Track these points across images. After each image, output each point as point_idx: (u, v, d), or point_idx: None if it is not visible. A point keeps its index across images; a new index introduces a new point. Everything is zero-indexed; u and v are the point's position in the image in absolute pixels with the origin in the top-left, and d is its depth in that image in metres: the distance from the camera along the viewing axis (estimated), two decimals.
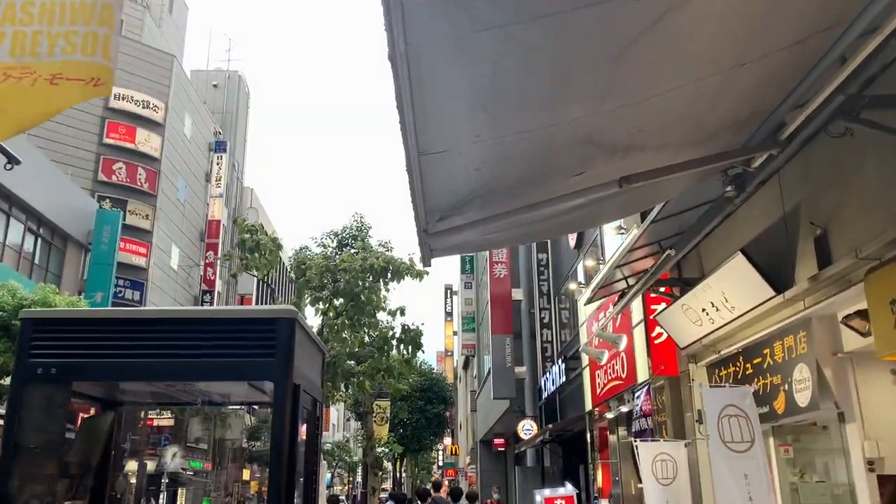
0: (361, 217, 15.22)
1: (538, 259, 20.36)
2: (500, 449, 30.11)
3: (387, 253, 12.50)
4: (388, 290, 12.30)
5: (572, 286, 14.59)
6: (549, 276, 20.19)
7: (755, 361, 7.56)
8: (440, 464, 64.75)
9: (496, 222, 4.54)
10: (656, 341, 9.57)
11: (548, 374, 18.03)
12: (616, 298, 9.90)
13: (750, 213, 7.20)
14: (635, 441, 8.73)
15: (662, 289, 8.96)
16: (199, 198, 43.06)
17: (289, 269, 15.44)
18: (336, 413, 70.11)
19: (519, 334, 20.81)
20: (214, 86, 51.53)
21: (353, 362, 11.69)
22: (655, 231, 7.61)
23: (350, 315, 11.65)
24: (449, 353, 60.12)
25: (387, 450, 15.02)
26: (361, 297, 11.54)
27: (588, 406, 13.05)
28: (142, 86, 36.00)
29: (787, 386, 6.84)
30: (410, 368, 11.34)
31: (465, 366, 50.52)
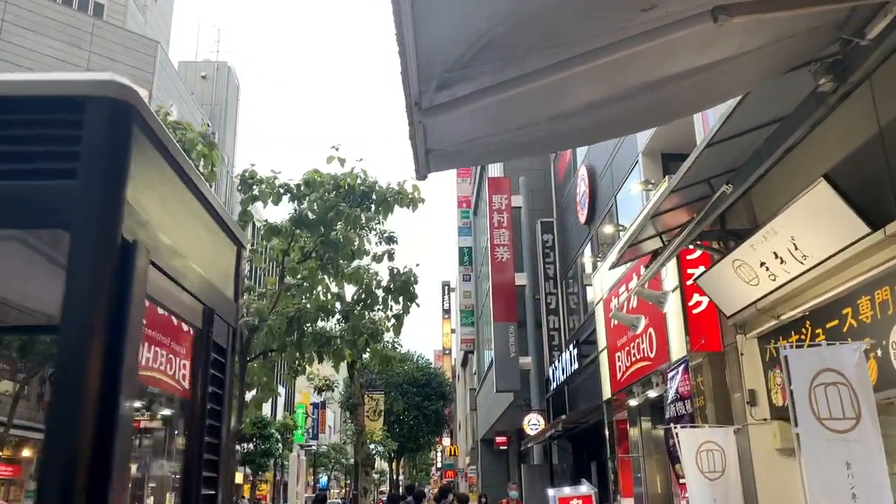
0: (341, 160, 11.51)
1: (543, 240, 18.90)
2: (502, 447, 28.62)
3: (369, 178, 9.37)
4: (373, 225, 9.22)
5: (586, 259, 13.11)
6: (555, 258, 18.74)
7: (830, 325, 6.11)
8: (439, 465, 63.32)
9: (519, 88, 3.07)
10: (694, 311, 8.11)
11: (556, 363, 16.57)
12: (647, 261, 8.44)
13: (825, 138, 5.76)
14: (675, 428, 7.27)
15: (701, 244, 7.51)
16: None
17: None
18: (332, 415, 68.60)
19: (523, 322, 19.32)
20: (203, 77, 49.94)
21: (330, 320, 8.63)
22: (701, 168, 6.16)
23: (321, 255, 8.73)
24: (447, 352, 58.66)
25: (380, 447, 12.80)
26: (334, 229, 8.60)
27: (606, 394, 11.58)
28: (124, 73, 34.23)
29: (879, 351, 5.40)
30: (401, 327, 8.19)
31: (464, 363, 48.99)
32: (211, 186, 6.35)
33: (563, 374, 15.32)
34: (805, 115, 4.68)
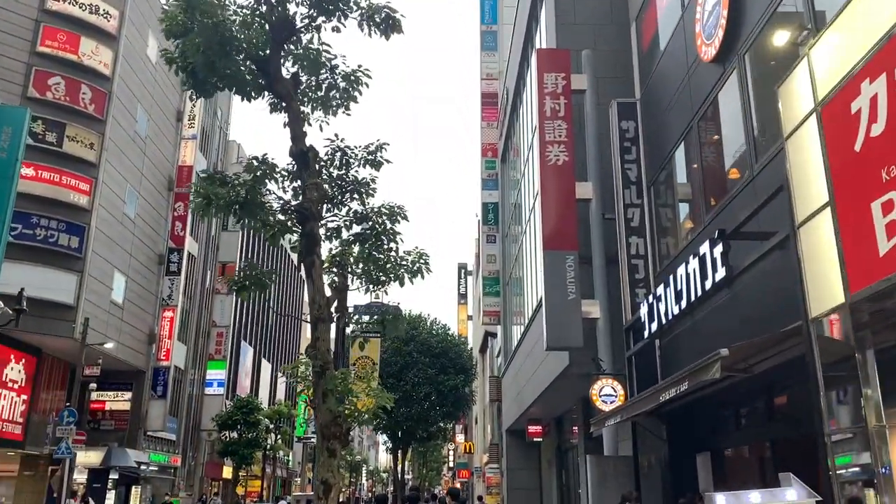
0: None
1: (622, 129, 12.95)
2: (535, 439, 22.73)
3: None
4: None
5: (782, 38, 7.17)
6: (639, 155, 12.80)
7: None
8: (451, 464, 57.40)
9: None
10: None
11: (662, 292, 10.52)
12: None
13: None
14: None
15: None
16: (168, 139, 35.92)
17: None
18: None
19: (587, 258, 13.40)
20: None
21: None
22: None
23: None
24: (463, 340, 52.86)
25: (359, 407, 7.38)
26: None
27: (826, 303, 5.64)
28: None
29: None
30: None
31: (483, 349, 43.12)
32: None
33: (677, 304, 9.35)
34: None
